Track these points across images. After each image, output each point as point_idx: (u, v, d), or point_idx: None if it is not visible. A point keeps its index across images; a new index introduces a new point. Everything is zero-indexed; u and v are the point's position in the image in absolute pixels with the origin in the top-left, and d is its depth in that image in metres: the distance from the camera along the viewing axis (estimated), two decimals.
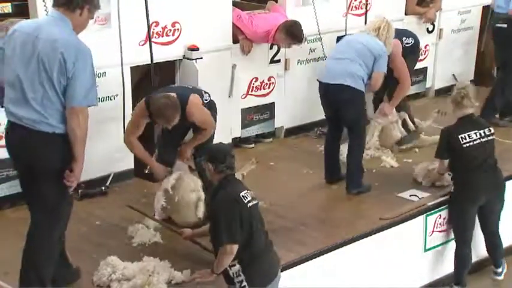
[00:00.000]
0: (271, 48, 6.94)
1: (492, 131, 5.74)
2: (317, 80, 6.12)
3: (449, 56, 8.80)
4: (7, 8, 6.10)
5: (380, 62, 5.88)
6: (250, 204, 4.21)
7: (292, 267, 4.88)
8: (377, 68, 5.88)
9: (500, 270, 6.06)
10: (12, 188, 5.55)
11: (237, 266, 4.20)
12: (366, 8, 7.52)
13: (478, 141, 5.60)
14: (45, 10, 5.28)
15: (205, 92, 5.51)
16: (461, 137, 5.58)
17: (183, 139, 5.54)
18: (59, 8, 4.06)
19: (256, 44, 6.80)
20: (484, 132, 5.65)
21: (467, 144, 5.58)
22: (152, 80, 5.96)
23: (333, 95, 5.89)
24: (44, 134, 4.03)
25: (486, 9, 9.01)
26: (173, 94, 5.19)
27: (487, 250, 6.00)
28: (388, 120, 6.84)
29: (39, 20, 4.23)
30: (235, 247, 4.12)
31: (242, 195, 4.19)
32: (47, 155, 4.06)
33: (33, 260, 4.26)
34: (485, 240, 5.93)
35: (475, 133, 5.61)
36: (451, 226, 5.87)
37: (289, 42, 6.69)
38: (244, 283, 4.21)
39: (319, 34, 7.16)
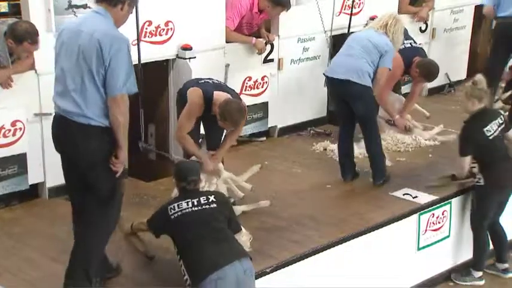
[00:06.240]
0: (266, 45, 6.96)
1: (504, 118, 5.84)
2: (323, 74, 6.19)
3: (442, 55, 8.80)
4: (1, 7, 6.12)
5: (385, 58, 5.94)
6: (176, 215, 4.41)
7: (286, 266, 4.88)
8: (382, 64, 5.95)
9: (507, 265, 6.09)
10: (5, 188, 5.53)
11: (180, 262, 4.34)
12: (351, 9, 7.49)
13: (497, 131, 5.72)
14: (49, 10, 5.32)
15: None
16: (486, 130, 5.67)
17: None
18: (101, 4, 4.15)
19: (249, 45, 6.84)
20: (498, 121, 5.76)
21: (492, 136, 5.68)
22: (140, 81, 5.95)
23: (339, 90, 5.99)
24: (80, 125, 4.08)
25: (479, 8, 9.06)
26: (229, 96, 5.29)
27: (492, 242, 6.02)
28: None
29: (83, 15, 4.38)
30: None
31: (170, 207, 4.45)
32: (84, 146, 4.11)
33: (91, 252, 4.28)
34: (491, 230, 5.95)
35: (494, 123, 5.72)
36: (471, 213, 5.95)
37: (274, 9, 6.70)
38: (186, 276, 4.28)
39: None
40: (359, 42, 6.01)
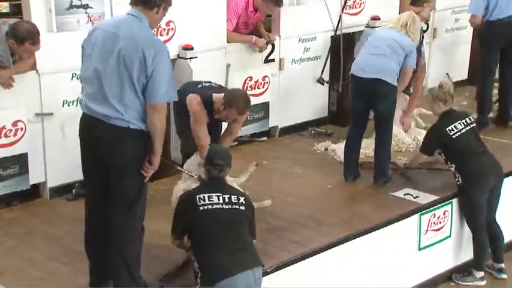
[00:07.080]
0: (267, 44, 6.96)
1: (473, 119, 6.03)
2: (351, 74, 6.15)
3: (443, 55, 8.82)
4: (3, 7, 6.15)
5: (410, 57, 6.05)
6: (205, 207, 4.29)
7: (286, 266, 4.87)
8: (407, 64, 6.04)
9: (503, 265, 6.09)
10: (6, 188, 5.53)
11: (193, 258, 4.31)
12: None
13: (464, 130, 5.86)
14: (50, 10, 5.32)
15: None
16: (449, 129, 5.83)
17: None
18: (137, 7, 4.16)
19: (250, 44, 6.83)
20: (466, 121, 5.92)
21: (456, 135, 5.83)
22: None
23: (369, 90, 5.98)
24: (118, 128, 4.07)
25: None
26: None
27: (489, 241, 6.03)
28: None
29: (118, 17, 4.35)
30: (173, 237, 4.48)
31: (199, 197, 4.32)
32: (121, 148, 4.10)
33: (123, 255, 4.26)
34: (486, 229, 5.96)
35: (459, 123, 5.88)
36: (464, 215, 6.01)
37: (268, 7, 6.75)
38: (199, 278, 4.26)
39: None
40: (385, 42, 6.04)
